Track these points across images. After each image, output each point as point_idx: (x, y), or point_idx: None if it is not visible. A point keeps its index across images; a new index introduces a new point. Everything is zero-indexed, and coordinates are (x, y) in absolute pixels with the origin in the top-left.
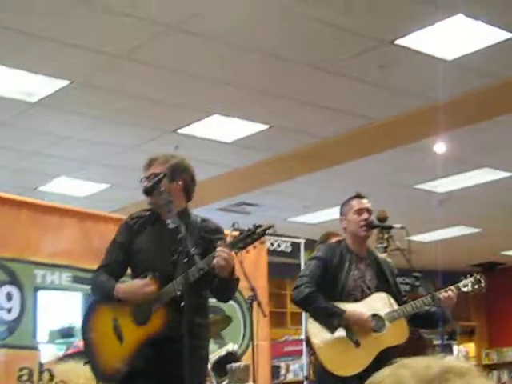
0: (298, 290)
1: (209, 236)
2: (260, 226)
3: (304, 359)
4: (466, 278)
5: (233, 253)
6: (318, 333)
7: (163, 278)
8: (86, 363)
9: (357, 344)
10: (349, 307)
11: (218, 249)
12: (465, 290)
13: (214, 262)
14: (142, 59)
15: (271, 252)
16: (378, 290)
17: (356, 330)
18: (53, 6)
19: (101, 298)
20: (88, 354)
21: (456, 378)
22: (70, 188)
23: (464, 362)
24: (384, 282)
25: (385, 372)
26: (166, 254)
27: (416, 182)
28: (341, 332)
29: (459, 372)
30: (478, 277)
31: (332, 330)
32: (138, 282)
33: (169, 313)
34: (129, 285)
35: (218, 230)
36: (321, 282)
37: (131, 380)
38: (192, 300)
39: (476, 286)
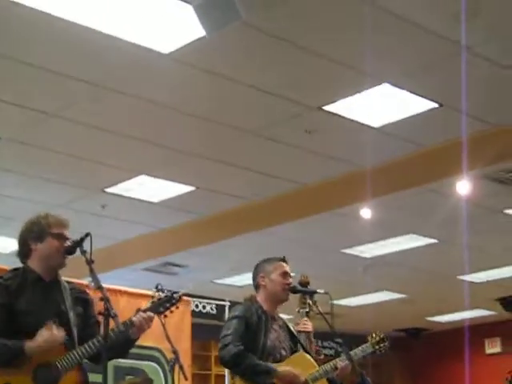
0: (226, 349)
1: (84, 296)
2: (176, 292)
3: None
4: (371, 336)
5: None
6: None
7: None
8: None
9: None
10: (279, 366)
11: (142, 313)
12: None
13: (135, 324)
14: (72, 117)
15: (196, 314)
16: (293, 351)
17: None
18: None
19: (1, 359)
20: None
21: None
22: None
23: None
24: (296, 343)
25: None
26: (57, 316)
27: (342, 246)
28: None
29: None
30: (380, 337)
31: None
32: (46, 333)
33: (79, 374)
34: (40, 339)
35: (86, 292)
36: (244, 341)
37: None
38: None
39: (380, 345)
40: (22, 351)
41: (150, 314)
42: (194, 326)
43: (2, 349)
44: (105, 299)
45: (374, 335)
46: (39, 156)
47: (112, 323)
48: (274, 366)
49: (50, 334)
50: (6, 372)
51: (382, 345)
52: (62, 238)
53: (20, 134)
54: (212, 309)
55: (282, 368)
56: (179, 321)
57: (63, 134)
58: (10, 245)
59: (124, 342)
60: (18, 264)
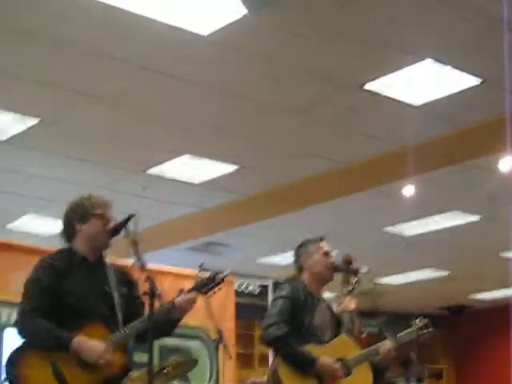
0: (269, 331)
1: (129, 277)
2: (220, 272)
3: None
4: (414, 322)
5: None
6: (290, 377)
7: (103, 322)
8: None
9: None
10: (320, 355)
11: (186, 294)
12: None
13: (179, 304)
14: (113, 98)
15: (239, 293)
16: (336, 333)
17: (325, 376)
18: (23, 44)
19: (45, 345)
20: None
21: None
22: (37, 226)
23: None
24: (339, 324)
25: None
26: (101, 297)
27: (384, 224)
28: (312, 378)
29: None
30: (424, 323)
31: (302, 374)
32: (99, 346)
33: (123, 356)
34: (90, 346)
35: (130, 273)
36: (289, 322)
37: None
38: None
39: (424, 331)
40: (66, 346)
41: (193, 294)
42: (237, 305)
43: (48, 336)
44: (150, 279)
45: (417, 321)
46: (81, 137)
47: (157, 303)
48: (316, 355)
49: (101, 352)
50: (52, 353)
51: (425, 331)
52: (105, 218)
53: (61, 116)
54: (255, 288)
55: (324, 359)
56: (223, 301)
57: (105, 115)
58: (53, 227)
59: (168, 322)
60: (62, 245)
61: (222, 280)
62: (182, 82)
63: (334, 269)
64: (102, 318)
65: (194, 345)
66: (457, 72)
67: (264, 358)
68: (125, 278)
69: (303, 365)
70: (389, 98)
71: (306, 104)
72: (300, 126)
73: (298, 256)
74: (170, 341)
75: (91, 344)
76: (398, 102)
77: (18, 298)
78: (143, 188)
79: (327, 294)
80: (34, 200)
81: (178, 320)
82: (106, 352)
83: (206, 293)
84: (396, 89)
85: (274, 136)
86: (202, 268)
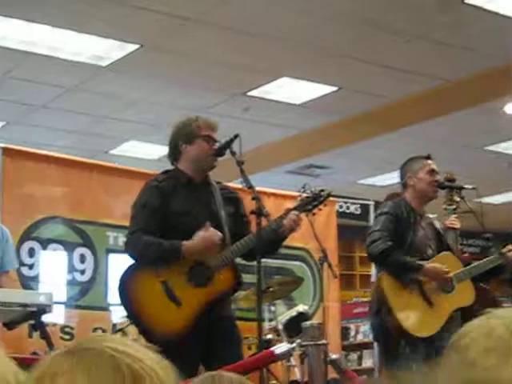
0: (374, 244)
1: (234, 195)
2: (323, 190)
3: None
4: None
5: (302, 215)
6: (393, 293)
7: None
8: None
9: (430, 304)
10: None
11: (292, 212)
12: None
13: (285, 222)
14: (212, 22)
15: (340, 214)
16: (439, 250)
17: (428, 290)
18: None
19: (157, 258)
20: (137, 320)
21: None
22: (139, 151)
23: None
24: (442, 242)
25: (473, 323)
26: (208, 216)
27: (486, 143)
28: (415, 291)
29: None
30: None
31: (407, 284)
32: (203, 233)
33: (233, 273)
34: (197, 239)
35: (236, 191)
36: (392, 238)
37: (186, 340)
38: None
39: None
40: (178, 251)
41: (298, 213)
42: (338, 226)
43: (158, 248)
44: (256, 198)
45: None
46: (181, 62)
47: (264, 222)
48: (421, 262)
49: (208, 234)
50: (162, 271)
51: None
52: (211, 140)
53: (162, 41)
54: (356, 209)
55: (430, 264)
56: (325, 221)
57: (204, 39)
58: (158, 151)
59: (274, 240)
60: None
61: (327, 196)
62: (281, 2)
63: (438, 186)
64: None
65: (296, 265)
66: None
67: (365, 279)
68: (230, 197)
69: (409, 271)
70: (491, 12)
71: (408, 21)
72: (401, 44)
73: (403, 174)
74: (273, 262)
75: (206, 235)
76: (501, 16)
77: (123, 222)
78: (245, 109)
79: (430, 215)
80: (136, 125)
81: (284, 238)
82: (216, 235)
83: (310, 210)
84: (499, 3)
85: (375, 56)
86: (305, 189)
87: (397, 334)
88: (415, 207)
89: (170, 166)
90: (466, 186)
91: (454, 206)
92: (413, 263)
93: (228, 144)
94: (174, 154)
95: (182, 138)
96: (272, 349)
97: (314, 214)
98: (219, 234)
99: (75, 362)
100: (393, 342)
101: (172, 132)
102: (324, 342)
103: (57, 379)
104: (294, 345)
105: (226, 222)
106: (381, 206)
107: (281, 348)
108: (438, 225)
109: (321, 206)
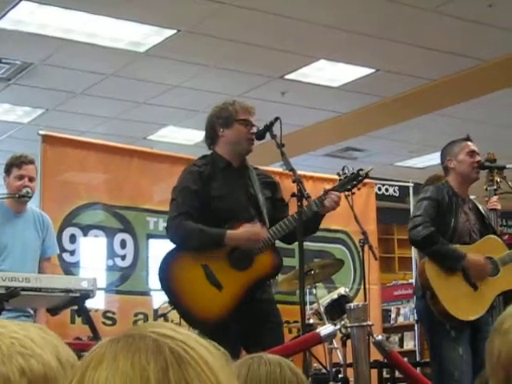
0: (416, 230)
1: (272, 180)
2: (362, 170)
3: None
4: None
5: (341, 195)
6: (436, 277)
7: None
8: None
9: (475, 288)
10: (467, 251)
11: (332, 192)
12: None
13: (326, 203)
14: (248, 5)
15: (379, 196)
16: (482, 233)
17: (473, 274)
18: None
19: (200, 245)
20: (178, 304)
21: None
22: (177, 136)
23: None
24: (485, 225)
25: None
26: (247, 200)
27: None
28: (458, 276)
29: None
30: None
31: (451, 272)
32: (251, 227)
33: (274, 255)
34: (243, 231)
35: (273, 176)
36: (434, 223)
37: (227, 324)
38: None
39: None
40: (222, 240)
41: (338, 193)
42: (377, 209)
43: (201, 235)
44: (297, 181)
45: None
46: (218, 46)
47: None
48: (464, 251)
49: (255, 229)
50: (203, 255)
51: None
52: (248, 124)
53: (198, 26)
54: (395, 191)
55: (472, 255)
56: (364, 203)
57: (240, 22)
58: (195, 136)
59: (314, 220)
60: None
61: (366, 175)
62: None
63: (480, 167)
64: (250, 220)
65: (336, 248)
66: None
67: (404, 262)
68: (268, 181)
69: (451, 260)
70: None
71: (443, 2)
72: (438, 25)
73: (443, 158)
74: (313, 244)
75: (254, 230)
76: None
77: (163, 207)
78: (283, 93)
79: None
80: (174, 110)
81: (323, 216)
82: (263, 232)
83: (350, 189)
84: None
85: (412, 36)
86: (344, 171)
87: (442, 317)
88: (458, 190)
89: (207, 152)
90: (507, 166)
91: (495, 187)
92: (454, 253)
93: (268, 127)
94: (212, 138)
95: (219, 121)
96: (317, 330)
97: (353, 194)
98: (266, 232)
99: (119, 347)
100: (438, 325)
101: (209, 116)
102: (369, 323)
103: (102, 364)
104: (338, 326)
105: (265, 205)
106: (423, 190)
107: (326, 329)
108: (481, 208)
109: (359, 186)
